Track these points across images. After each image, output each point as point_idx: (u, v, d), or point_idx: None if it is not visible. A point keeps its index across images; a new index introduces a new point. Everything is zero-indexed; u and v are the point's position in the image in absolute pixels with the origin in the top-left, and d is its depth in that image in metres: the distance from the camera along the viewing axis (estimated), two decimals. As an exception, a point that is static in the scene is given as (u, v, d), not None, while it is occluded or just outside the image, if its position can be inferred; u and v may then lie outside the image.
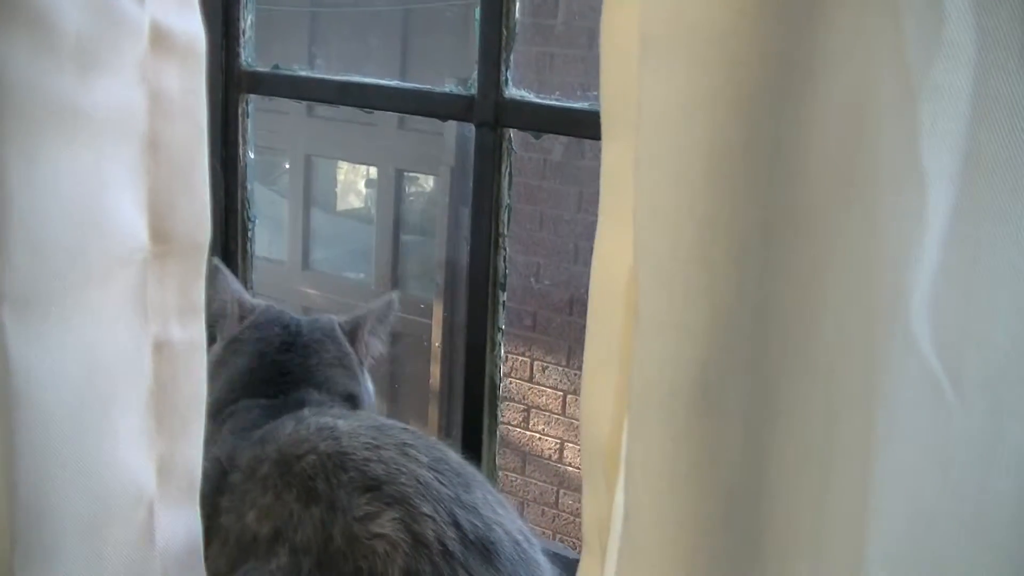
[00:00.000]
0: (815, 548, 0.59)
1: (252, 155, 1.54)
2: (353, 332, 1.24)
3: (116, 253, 0.77)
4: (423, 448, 0.97)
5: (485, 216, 1.28)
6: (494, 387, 1.33)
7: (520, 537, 0.93)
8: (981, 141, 0.54)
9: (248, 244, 1.56)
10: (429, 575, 0.86)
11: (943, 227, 0.55)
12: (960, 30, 0.52)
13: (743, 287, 0.56)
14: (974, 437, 0.58)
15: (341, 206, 5.70)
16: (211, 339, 1.00)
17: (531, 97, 1.24)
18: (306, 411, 1.06)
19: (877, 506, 0.57)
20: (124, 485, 0.80)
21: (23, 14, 0.69)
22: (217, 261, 1.25)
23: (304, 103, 4.11)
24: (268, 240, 5.23)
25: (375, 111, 1.51)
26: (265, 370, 1.17)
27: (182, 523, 0.86)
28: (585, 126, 1.18)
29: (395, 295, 1.28)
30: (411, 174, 5.12)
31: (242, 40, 1.49)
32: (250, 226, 1.56)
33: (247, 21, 1.49)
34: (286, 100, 1.66)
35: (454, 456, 0.99)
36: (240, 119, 1.51)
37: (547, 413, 3.91)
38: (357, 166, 5.58)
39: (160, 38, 0.78)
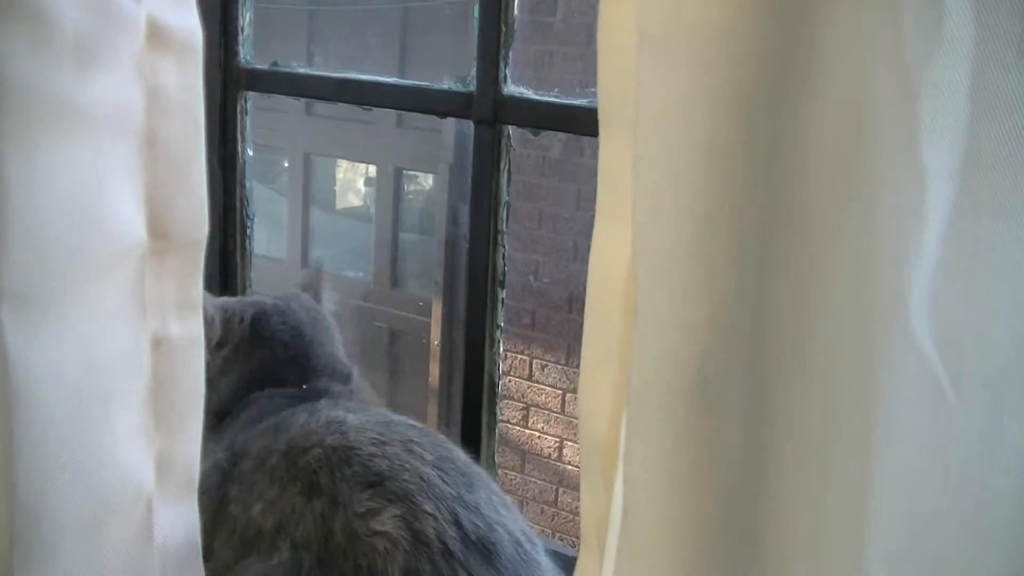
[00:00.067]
0: (814, 547, 0.59)
1: (251, 153, 1.54)
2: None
3: (114, 249, 0.77)
4: (429, 446, 0.97)
5: (484, 213, 1.27)
6: (493, 385, 1.33)
7: (522, 538, 0.93)
8: (981, 137, 0.54)
9: (247, 242, 1.56)
10: (429, 574, 0.86)
11: (942, 224, 0.55)
12: (960, 26, 0.52)
13: (742, 285, 0.56)
14: (974, 435, 0.58)
15: (340, 204, 5.70)
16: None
17: (529, 94, 1.24)
18: (322, 403, 1.06)
19: (877, 505, 0.57)
20: (123, 482, 0.80)
21: (21, 11, 0.69)
22: None
23: (303, 101, 4.10)
24: (267, 238, 5.23)
25: (374, 109, 1.50)
26: (282, 360, 1.16)
27: (180, 519, 0.86)
28: (584, 123, 1.18)
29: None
30: (410, 172, 5.12)
31: (240, 37, 1.49)
32: (249, 224, 1.55)
33: (246, 18, 1.49)
34: (285, 98, 1.66)
35: (460, 455, 0.99)
36: (239, 117, 1.51)
37: (546, 411, 3.91)
38: (356, 164, 5.58)
39: (157, 34, 0.78)
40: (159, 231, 0.80)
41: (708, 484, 0.58)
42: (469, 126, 1.29)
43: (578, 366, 0.75)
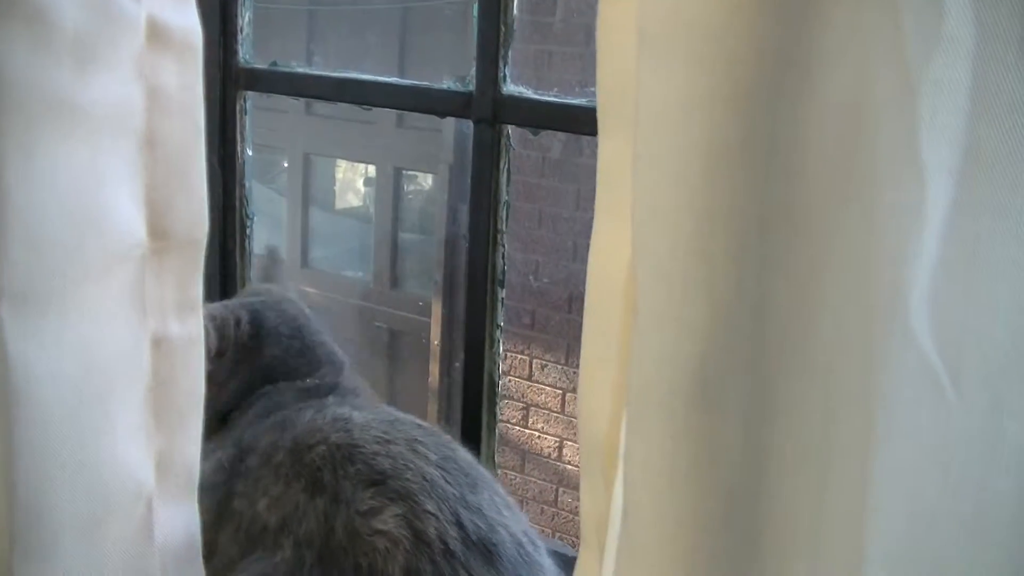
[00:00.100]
0: (814, 546, 0.58)
1: (250, 153, 1.54)
2: None
3: (114, 249, 0.77)
4: (433, 445, 0.96)
5: (484, 213, 1.27)
6: (493, 385, 1.33)
7: (524, 539, 0.93)
8: (981, 136, 0.54)
9: (247, 242, 1.56)
10: (430, 574, 0.86)
11: (942, 222, 0.55)
12: (959, 24, 0.52)
13: (742, 284, 0.56)
14: (974, 435, 0.57)
15: (340, 204, 5.70)
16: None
17: (529, 93, 1.24)
18: (330, 399, 1.06)
19: (877, 504, 0.57)
20: (123, 481, 0.80)
21: (20, 10, 0.69)
22: None
23: (302, 101, 4.11)
24: (267, 238, 5.23)
25: (373, 109, 1.50)
26: (288, 353, 1.16)
27: (181, 519, 0.86)
28: (583, 122, 1.18)
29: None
30: (410, 172, 5.12)
31: (240, 37, 1.49)
32: (248, 224, 1.55)
33: (245, 18, 1.49)
34: (284, 98, 1.66)
35: (464, 455, 0.99)
36: (238, 116, 1.51)
37: (546, 411, 3.91)
38: (356, 164, 5.58)
39: (157, 34, 0.78)
40: (159, 231, 0.80)
41: (708, 483, 0.58)
42: (469, 126, 1.29)
43: (578, 366, 0.75)
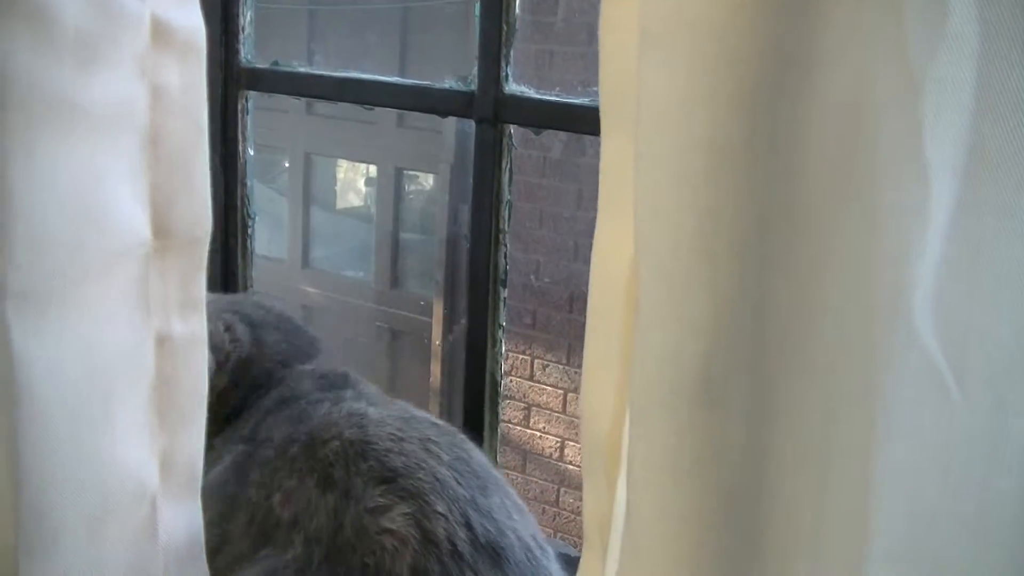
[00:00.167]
0: (817, 545, 0.58)
1: (251, 152, 1.54)
2: None
3: (118, 248, 0.77)
4: (446, 446, 0.96)
5: (485, 212, 1.27)
6: (495, 384, 1.33)
7: (532, 543, 0.93)
8: (985, 135, 0.54)
9: (248, 241, 1.56)
10: (437, 574, 0.85)
11: (946, 222, 0.54)
12: (963, 22, 0.52)
13: (744, 282, 0.56)
14: (978, 434, 0.57)
15: (341, 204, 5.71)
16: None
17: (531, 93, 1.24)
18: (348, 393, 1.06)
19: (879, 504, 0.57)
20: (127, 480, 0.80)
21: (22, 7, 0.69)
22: None
23: (303, 101, 4.11)
24: (268, 238, 5.23)
25: (375, 108, 1.50)
26: (288, 341, 1.17)
27: (184, 518, 0.86)
28: (585, 122, 1.18)
29: None
30: (411, 172, 5.13)
31: (241, 37, 1.49)
32: (250, 223, 1.55)
33: (246, 17, 1.49)
34: (285, 98, 1.66)
35: (478, 457, 0.98)
36: (239, 116, 1.51)
37: (548, 411, 3.91)
38: (357, 164, 5.59)
39: (160, 32, 0.78)
40: (162, 229, 0.80)
41: (711, 482, 0.58)
42: (470, 125, 1.28)
43: (579, 366, 0.75)
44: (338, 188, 5.76)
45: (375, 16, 5.04)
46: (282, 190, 5.45)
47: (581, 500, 0.76)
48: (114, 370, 0.78)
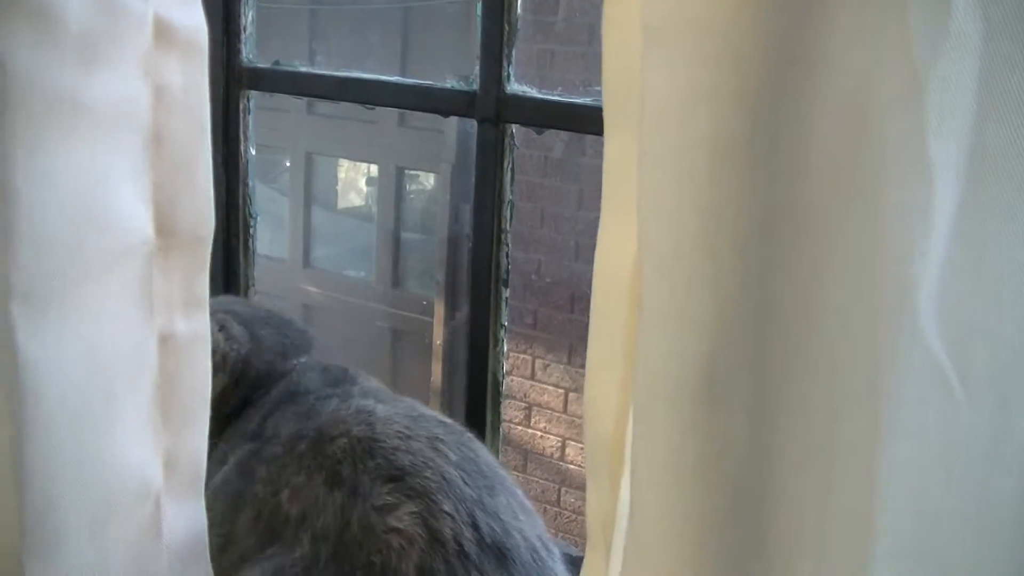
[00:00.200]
0: (821, 544, 0.58)
1: (253, 152, 1.54)
2: None
3: (121, 247, 0.78)
4: (454, 445, 0.96)
5: (488, 212, 1.27)
6: (497, 384, 1.32)
7: (538, 544, 0.93)
8: (988, 136, 0.54)
9: (250, 241, 1.56)
10: (443, 573, 0.85)
11: (949, 222, 0.54)
12: (967, 21, 0.52)
13: (748, 281, 0.56)
14: (982, 434, 0.57)
15: (342, 204, 5.71)
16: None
17: (533, 92, 1.24)
18: (356, 389, 1.06)
19: (883, 503, 0.57)
20: (131, 479, 0.80)
21: (25, 7, 0.69)
22: None
23: (304, 101, 4.11)
24: (269, 238, 5.23)
25: (376, 108, 1.50)
26: (283, 329, 1.17)
27: (188, 516, 0.86)
28: (588, 121, 1.18)
29: None
30: (412, 172, 5.13)
31: (243, 36, 1.49)
32: (252, 223, 1.55)
33: (248, 17, 1.49)
34: (286, 97, 1.66)
35: (485, 456, 0.98)
36: (241, 115, 1.51)
37: (549, 411, 3.91)
38: (358, 164, 5.58)
39: (163, 32, 0.78)
40: (165, 228, 0.81)
41: (714, 480, 0.57)
42: (471, 125, 1.28)
43: (581, 366, 0.75)
44: (339, 188, 5.76)
45: (376, 16, 5.04)
46: (283, 190, 5.45)
47: (582, 500, 0.76)
48: (118, 369, 0.78)
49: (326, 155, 5.52)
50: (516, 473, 3.89)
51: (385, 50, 4.93)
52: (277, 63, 1.50)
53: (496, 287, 1.29)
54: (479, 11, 1.25)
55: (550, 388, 3.90)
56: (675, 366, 0.57)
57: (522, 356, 3.91)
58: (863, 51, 0.53)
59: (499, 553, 0.88)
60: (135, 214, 0.78)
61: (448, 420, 1.02)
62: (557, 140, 3.67)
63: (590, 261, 0.71)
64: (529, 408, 3.94)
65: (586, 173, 3.66)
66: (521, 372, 3.91)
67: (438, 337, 4.36)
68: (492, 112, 1.25)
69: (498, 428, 1.35)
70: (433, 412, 1.04)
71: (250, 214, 1.55)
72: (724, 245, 0.55)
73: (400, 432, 0.95)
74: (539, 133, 1.35)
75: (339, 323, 5.10)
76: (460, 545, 0.87)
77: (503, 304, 1.30)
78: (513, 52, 1.24)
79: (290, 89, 1.56)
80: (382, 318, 4.99)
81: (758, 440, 0.57)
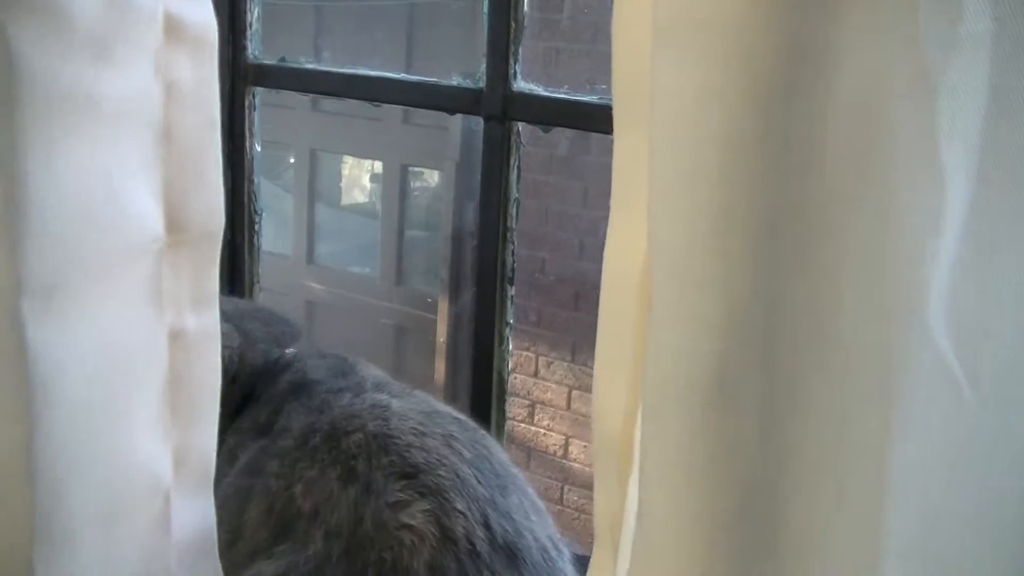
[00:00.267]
0: (830, 544, 0.58)
1: (259, 149, 1.54)
2: None
3: (132, 243, 0.78)
4: (468, 443, 0.96)
5: (493, 210, 1.27)
6: (502, 382, 1.33)
7: (549, 545, 0.93)
8: (999, 137, 0.54)
9: (255, 238, 1.56)
10: (454, 572, 0.85)
11: (960, 223, 0.54)
12: (977, 21, 0.52)
13: (758, 280, 0.56)
14: (991, 434, 0.58)
15: (346, 201, 5.70)
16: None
17: (540, 90, 1.24)
18: (368, 382, 1.06)
19: (892, 503, 0.57)
20: (140, 475, 0.80)
21: (35, 3, 0.69)
22: None
23: (309, 97, 4.10)
24: (273, 234, 5.23)
25: (381, 105, 1.50)
26: (267, 321, 1.17)
27: (197, 512, 0.86)
28: (595, 119, 1.18)
29: None
30: (416, 169, 5.12)
31: (249, 33, 1.49)
32: (257, 220, 1.55)
33: (254, 14, 1.49)
34: (291, 94, 1.66)
35: (498, 454, 0.98)
36: (247, 112, 1.51)
37: (552, 409, 3.91)
38: (362, 161, 5.58)
39: (173, 28, 0.78)
40: (176, 224, 0.81)
41: (724, 480, 0.57)
42: (476, 123, 1.28)
43: (584, 363, 0.75)
44: (343, 184, 5.76)
45: (381, 12, 5.03)
46: (287, 186, 5.45)
47: (585, 498, 0.77)
48: (128, 365, 0.78)
49: (330, 152, 5.51)
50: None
51: (389, 46, 4.92)
52: (283, 60, 1.50)
53: (502, 285, 1.29)
54: (486, 8, 1.25)
55: (553, 386, 3.90)
56: (685, 366, 0.57)
57: (525, 354, 3.90)
58: (874, 50, 0.53)
59: (510, 553, 0.88)
60: (146, 210, 0.78)
61: (462, 417, 1.02)
62: (562, 138, 3.67)
63: (594, 259, 0.71)
64: (532, 406, 3.94)
65: (590, 171, 3.65)
66: (524, 370, 3.91)
67: (441, 334, 4.35)
68: (499, 110, 1.25)
69: (503, 427, 1.35)
70: (447, 408, 1.04)
71: (255, 211, 1.55)
72: (735, 245, 0.55)
73: (415, 429, 0.95)
74: (546, 131, 1.34)
75: (342, 320, 5.10)
76: (472, 544, 0.87)
77: (508, 302, 1.30)
78: (520, 50, 1.24)
79: (296, 86, 1.56)
80: (385, 315, 4.99)
81: (768, 440, 0.57)
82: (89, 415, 0.75)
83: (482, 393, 1.33)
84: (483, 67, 1.26)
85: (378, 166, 5.35)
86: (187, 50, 0.79)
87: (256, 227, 1.56)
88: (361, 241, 5.57)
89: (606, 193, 0.71)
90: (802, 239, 0.55)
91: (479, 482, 0.92)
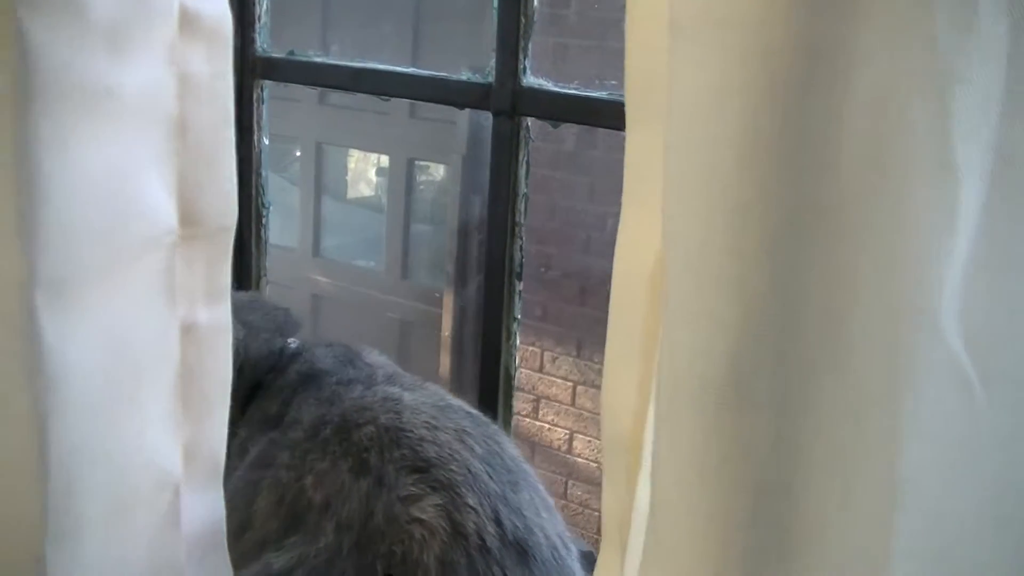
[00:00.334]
0: (842, 543, 0.58)
1: (267, 142, 1.54)
2: None
3: (146, 236, 0.78)
4: (480, 438, 0.96)
5: (502, 205, 1.27)
6: (509, 378, 1.32)
7: (558, 542, 0.93)
8: (1013, 136, 0.53)
9: (263, 231, 1.56)
10: (464, 567, 0.85)
11: (973, 223, 0.54)
12: (992, 21, 0.52)
13: (774, 278, 0.55)
14: (1003, 434, 0.58)
15: (352, 194, 5.70)
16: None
17: (549, 85, 1.24)
18: (380, 374, 1.06)
19: (904, 502, 0.57)
20: (151, 469, 0.80)
21: None
22: None
23: (316, 90, 4.10)
24: (279, 227, 5.23)
25: (389, 99, 1.50)
26: (266, 312, 1.17)
27: (206, 506, 0.86)
28: (604, 115, 1.17)
29: None
30: (422, 163, 5.12)
31: (257, 26, 1.49)
32: (264, 213, 1.55)
33: (263, 7, 1.49)
34: (297, 87, 1.65)
35: (510, 450, 0.98)
36: (255, 105, 1.51)
37: (557, 404, 3.91)
38: (368, 154, 5.58)
39: (189, 21, 0.78)
40: (189, 218, 0.81)
41: (738, 479, 0.57)
42: (483, 117, 1.28)
43: (589, 359, 0.75)
44: (349, 178, 5.76)
45: (389, 5, 5.03)
46: (293, 179, 5.45)
47: (589, 493, 0.76)
48: (140, 359, 0.78)
49: (337, 145, 5.52)
50: (524, 466, 3.89)
51: (397, 40, 4.92)
52: (291, 53, 1.50)
53: (510, 280, 1.29)
54: (495, 3, 1.24)
55: (558, 381, 3.90)
56: (700, 365, 0.56)
57: (531, 348, 3.90)
58: (891, 49, 0.52)
59: (520, 549, 0.88)
60: (160, 204, 0.78)
61: (474, 411, 1.02)
62: (568, 133, 3.67)
63: (600, 254, 0.71)
64: (537, 400, 3.94)
65: (597, 166, 3.65)
66: (530, 364, 3.91)
67: (447, 328, 4.36)
68: (508, 105, 1.24)
69: (510, 422, 1.35)
70: (459, 402, 1.04)
71: (263, 204, 1.55)
72: (750, 243, 0.55)
73: (427, 423, 0.95)
74: (555, 127, 1.34)
75: (348, 313, 5.11)
76: (482, 540, 0.87)
77: (516, 297, 1.30)
78: (529, 45, 1.24)
79: (304, 79, 1.56)
80: (391, 309, 4.99)
81: (782, 439, 0.57)
82: (100, 408, 0.75)
83: (489, 388, 1.33)
84: (492, 62, 1.26)
85: (384, 160, 5.35)
86: (202, 43, 0.79)
87: (264, 220, 1.55)
88: (367, 235, 5.57)
89: (613, 189, 0.71)
90: (818, 237, 0.55)
91: (491, 478, 0.92)
